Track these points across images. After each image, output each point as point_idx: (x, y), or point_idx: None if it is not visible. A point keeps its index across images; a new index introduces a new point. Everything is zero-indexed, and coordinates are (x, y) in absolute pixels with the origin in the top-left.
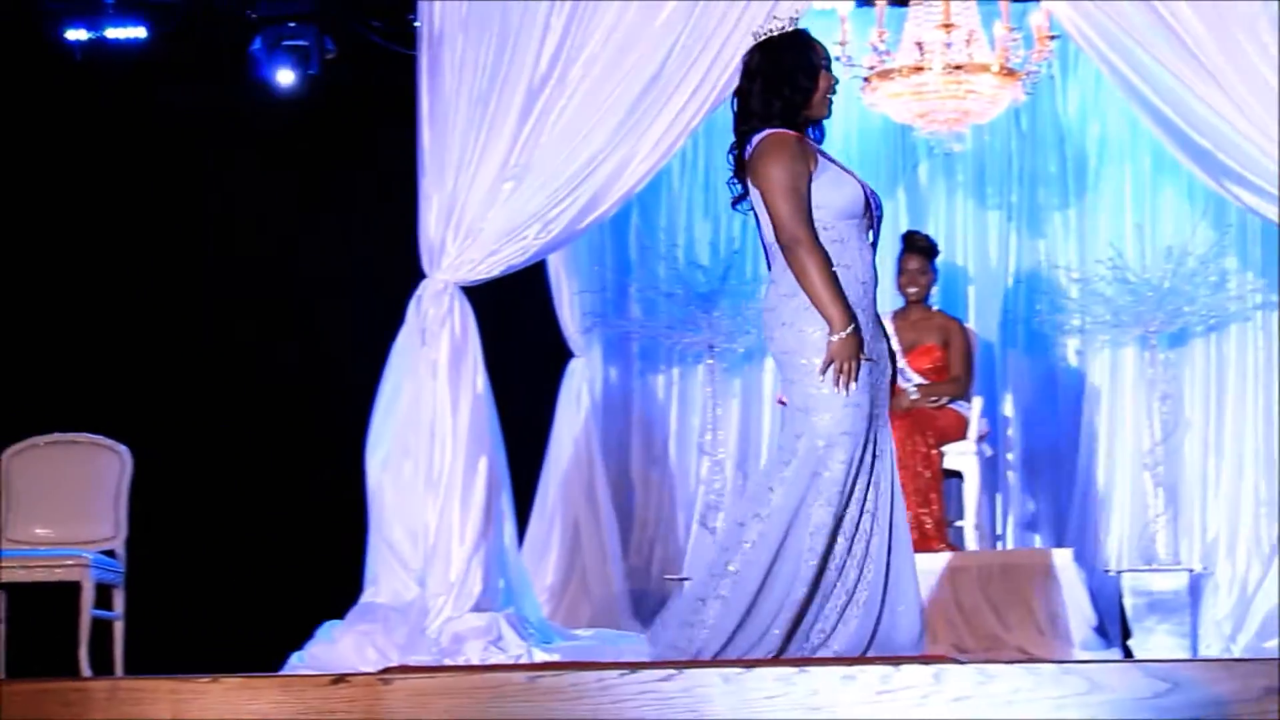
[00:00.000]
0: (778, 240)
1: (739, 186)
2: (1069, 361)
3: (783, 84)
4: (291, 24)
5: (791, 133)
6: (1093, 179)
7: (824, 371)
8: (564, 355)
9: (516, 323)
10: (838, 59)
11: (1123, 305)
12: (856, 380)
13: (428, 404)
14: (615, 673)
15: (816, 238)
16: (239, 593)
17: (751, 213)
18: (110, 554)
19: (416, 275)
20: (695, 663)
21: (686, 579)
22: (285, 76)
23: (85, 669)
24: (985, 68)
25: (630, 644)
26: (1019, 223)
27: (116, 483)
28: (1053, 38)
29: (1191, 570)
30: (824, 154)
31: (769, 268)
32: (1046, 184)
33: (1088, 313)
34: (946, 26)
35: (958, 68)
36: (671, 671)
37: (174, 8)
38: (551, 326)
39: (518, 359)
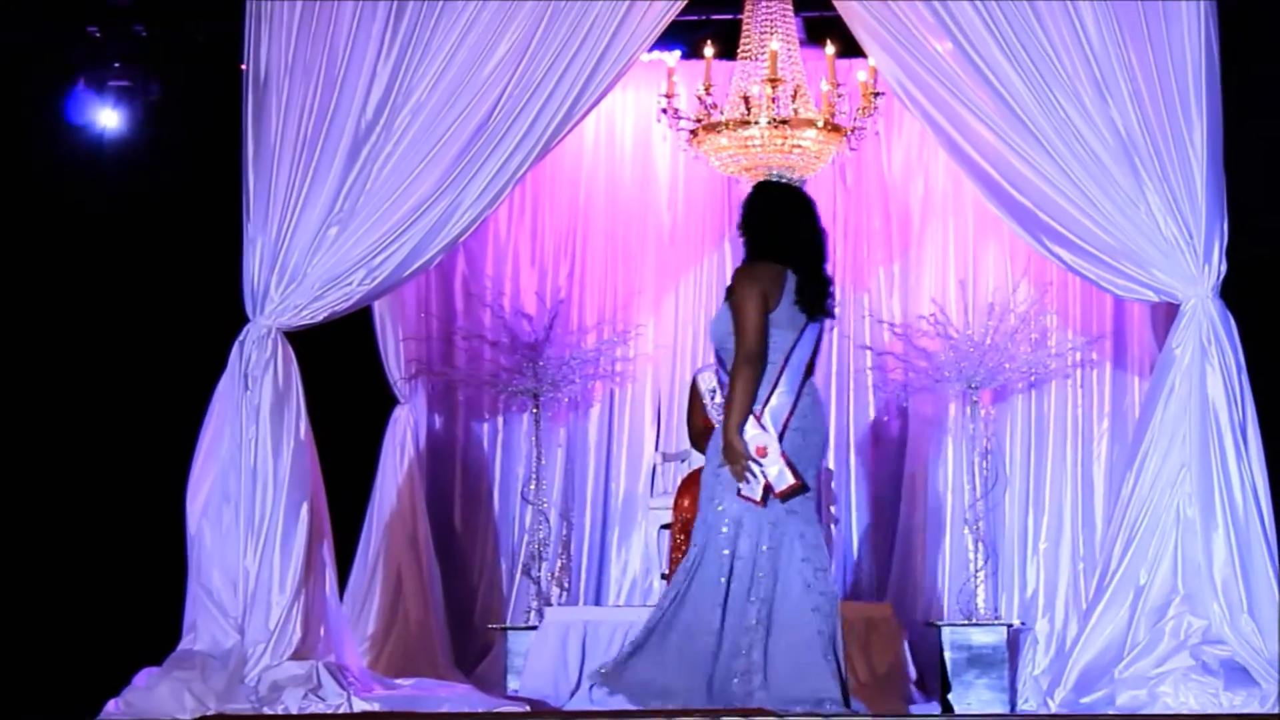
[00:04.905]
0: None
1: None
2: (891, 415)
3: None
4: (116, 64)
5: None
6: (916, 235)
7: None
8: (388, 402)
9: (341, 369)
10: (664, 111)
11: (944, 361)
12: None
13: (249, 450)
14: None
15: None
16: (55, 638)
17: None
18: None
19: (239, 319)
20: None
21: (509, 628)
22: (110, 118)
23: None
24: (810, 123)
25: (451, 693)
26: (843, 277)
27: None
28: (877, 95)
29: (1010, 625)
30: None
31: None
32: (870, 239)
33: (910, 368)
34: (773, 81)
35: (783, 122)
36: None
37: None
38: (376, 373)
39: (341, 405)
